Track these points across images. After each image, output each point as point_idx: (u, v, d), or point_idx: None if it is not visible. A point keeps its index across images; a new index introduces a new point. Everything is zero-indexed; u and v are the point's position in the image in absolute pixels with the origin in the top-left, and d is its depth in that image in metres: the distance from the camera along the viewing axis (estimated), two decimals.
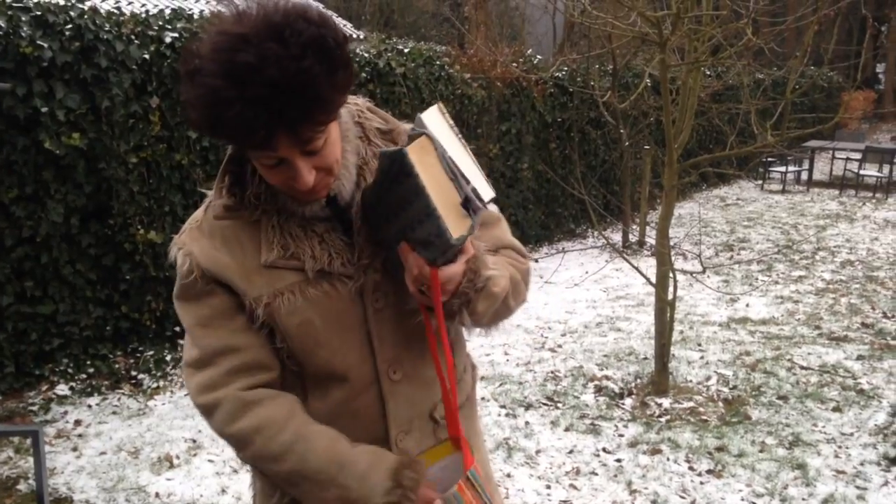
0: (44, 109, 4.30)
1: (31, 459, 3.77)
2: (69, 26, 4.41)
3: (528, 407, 4.54)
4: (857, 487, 3.63)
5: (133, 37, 4.70)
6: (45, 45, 4.28)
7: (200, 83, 1.10)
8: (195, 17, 5.25)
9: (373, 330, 1.34)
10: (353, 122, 1.35)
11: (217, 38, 1.11)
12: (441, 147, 1.13)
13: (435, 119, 1.15)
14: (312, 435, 1.31)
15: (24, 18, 4.28)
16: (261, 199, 1.30)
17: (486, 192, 1.17)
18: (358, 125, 1.36)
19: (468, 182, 1.15)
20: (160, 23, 4.93)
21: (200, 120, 1.14)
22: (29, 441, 3.80)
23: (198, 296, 1.32)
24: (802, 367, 5.11)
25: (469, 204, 1.14)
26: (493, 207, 1.23)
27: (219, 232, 1.31)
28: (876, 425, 4.26)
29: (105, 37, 4.53)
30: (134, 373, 4.79)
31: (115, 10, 4.83)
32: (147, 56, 4.72)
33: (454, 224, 1.13)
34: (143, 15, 4.94)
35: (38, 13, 4.33)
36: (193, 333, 1.34)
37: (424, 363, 1.40)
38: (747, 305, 6.56)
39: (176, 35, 4.88)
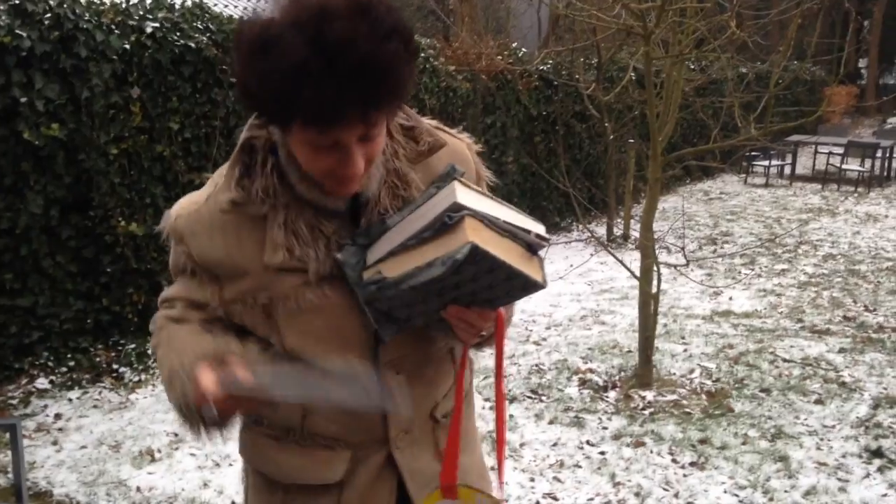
0: (23, 100, 4.24)
1: (9, 453, 3.73)
2: (48, 15, 4.35)
3: (513, 400, 4.54)
4: (839, 479, 3.65)
5: (113, 26, 4.64)
6: (24, 34, 4.21)
7: (280, 54, 1.04)
8: (176, 6, 5.19)
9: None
10: None
11: (296, 10, 1.05)
12: (485, 217, 1.16)
13: (464, 194, 1.17)
14: (175, 338, 1.32)
15: (2, 7, 4.21)
16: (269, 192, 1.24)
17: (534, 226, 1.23)
18: None
19: (520, 229, 1.20)
20: (141, 12, 4.86)
21: (271, 93, 1.07)
22: (8, 435, 3.76)
23: (186, 272, 1.33)
24: (785, 360, 5.13)
25: (532, 248, 1.21)
26: (540, 228, 1.26)
27: (219, 226, 1.27)
28: (858, 418, 4.28)
29: (85, 26, 4.47)
30: (115, 366, 4.75)
31: (95, 0, 4.77)
32: (127, 46, 4.66)
33: (531, 270, 1.19)
34: (124, 4, 4.88)
35: (17, 2, 4.27)
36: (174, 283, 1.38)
37: (427, 362, 1.37)
38: (730, 299, 6.58)
39: (157, 25, 4.82)
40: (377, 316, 1.24)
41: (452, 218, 1.13)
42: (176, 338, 1.31)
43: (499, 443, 1.43)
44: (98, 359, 4.76)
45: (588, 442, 4.03)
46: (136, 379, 4.70)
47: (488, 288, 1.18)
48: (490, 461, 1.48)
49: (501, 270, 1.15)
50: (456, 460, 1.38)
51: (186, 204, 1.31)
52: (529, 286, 1.20)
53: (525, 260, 1.18)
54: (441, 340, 1.33)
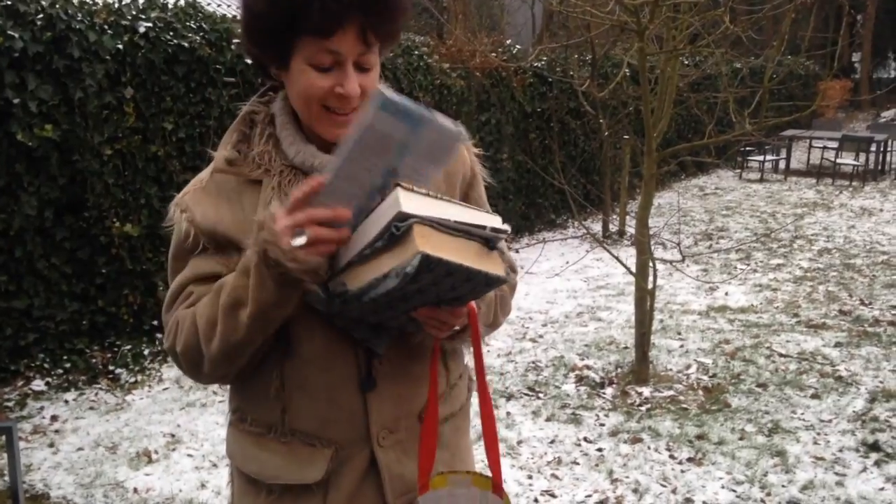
0: (16, 101, 4.23)
1: (5, 456, 3.72)
2: (40, 16, 4.33)
3: (510, 397, 4.54)
4: (836, 474, 3.65)
5: (106, 26, 4.63)
6: (16, 35, 4.20)
7: None
8: (169, 6, 5.18)
9: None
10: None
11: None
12: (435, 221, 1.12)
13: (409, 200, 1.12)
14: (195, 309, 1.28)
15: None
16: (265, 158, 1.28)
17: (490, 220, 1.20)
18: None
19: (473, 226, 1.17)
20: (133, 12, 4.85)
21: (279, 3, 1.15)
22: (3, 437, 3.75)
23: (191, 252, 1.30)
24: (781, 355, 5.14)
25: (489, 242, 1.18)
26: (496, 221, 1.23)
27: (223, 187, 1.29)
28: (854, 412, 4.29)
29: (77, 27, 4.45)
30: (111, 367, 4.74)
31: (88, 0, 4.76)
32: (120, 46, 4.65)
33: (490, 266, 1.16)
34: (116, 4, 4.86)
35: (9, 2, 4.25)
36: (173, 279, 1.33)
37: (414, 359, 1.35)
38: (726, 294, 6.59)
39: (150, 25, 4.81)
40: (351, 324, 1.25)
41: (400, 228, 1.10)
42: (197, 307, 1.28)
43: (486, 438, 1.39)
44: (94, 360, 4.75)
45: (585, 438, 4.03)
46: (133, 380, 4.69)
47: (451, 289, 1.17)
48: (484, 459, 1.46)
49: (460, 273, 1.12)
50: (430, 463, 1.34)
51: (193, 182, 1.35)
52: (492, 282, 1.18)
53: (482, 257, 1.16)
54: (416, 336, 1.31)
